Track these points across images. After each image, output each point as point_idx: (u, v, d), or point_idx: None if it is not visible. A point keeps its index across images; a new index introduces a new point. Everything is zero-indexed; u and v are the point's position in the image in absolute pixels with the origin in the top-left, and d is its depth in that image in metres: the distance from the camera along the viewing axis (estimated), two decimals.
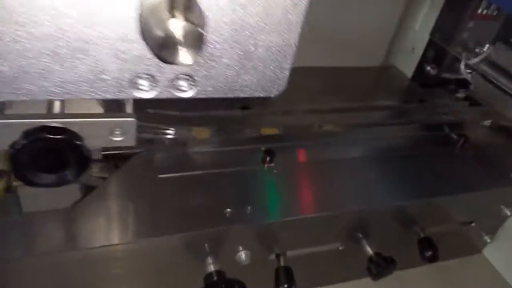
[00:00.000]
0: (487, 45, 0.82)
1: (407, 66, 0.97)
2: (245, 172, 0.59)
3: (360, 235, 0.63)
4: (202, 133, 0.62)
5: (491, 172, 0.71)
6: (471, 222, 0.72)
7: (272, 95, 0.36)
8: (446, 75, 0.95)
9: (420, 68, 0.95)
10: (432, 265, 0.76)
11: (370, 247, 0.63)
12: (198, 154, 0.60)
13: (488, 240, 0.75)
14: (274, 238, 0.56)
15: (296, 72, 0.89)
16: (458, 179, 0.68)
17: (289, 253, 0.59)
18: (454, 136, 0.76)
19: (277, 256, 0.58)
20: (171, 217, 0.51)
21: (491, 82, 0.79)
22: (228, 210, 0.52)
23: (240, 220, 0.52)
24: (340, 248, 0.63)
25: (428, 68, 0.95)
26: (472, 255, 0.80)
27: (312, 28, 0.95)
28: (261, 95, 0.35)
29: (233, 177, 0.57)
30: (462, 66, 0.86)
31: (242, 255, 0.54)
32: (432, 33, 0.89)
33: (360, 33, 0.93)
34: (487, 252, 0.79)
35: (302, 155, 0.66)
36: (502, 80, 0.77)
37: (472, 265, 0.78)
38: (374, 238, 0.64)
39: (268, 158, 0.61)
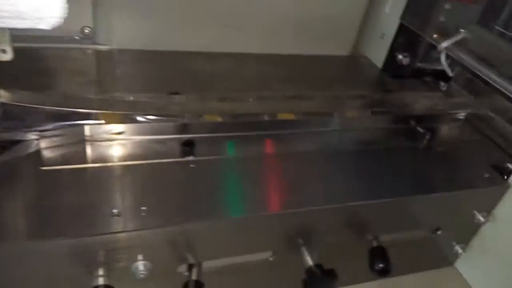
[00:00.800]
0: (461, 29, 0.73)
1: (377, 55, 0.87)
2: (154, 166, 0.49)
3: (301, 242, 0.54)
4: (111, 119, 0.52)
5: (462, 171, 0.61)
6: (437, 230, 0.62)
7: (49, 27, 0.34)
8: (422, 65, 0.86)
9: (391, 57, 0.85)
10: (395, 279, 0.67)
11: (311, 257, 0.53)
12: (103, 145, 0.51)
13: (460, 251, 0.65)
14: (183, 245, 0.46)
15: (258, 59, 0.81)
16: (422, 178, 0.58)
17: (206, 264, 0.49)
18: (421, 130, 0.67)
19: (189, 267, 0.48)
20: (43, 218, 0.41)
21: (469, 71, 0.70)
22: (115, 211, 0.42)
23: (126, 224, 0.42)
24: (271, 258, 0.52)
25: (400, 56, 0.85)
26: (442, 268, 0.69)
27: (277, 15, 0.89)
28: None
29: (137, 172, 0.48)
30: (442, 56, 0.76)
31: (139, 266, 0.45)
32: (403, 16, 0.80)
33: (326, 19, 0.83)
34: (460, 264, 0.69)
35: (231, 148, 0.56)
36: (480, 68, 0.67)
37: (441, 279, 0.68)
38: (317, 247, 0.54)
39: (187, 151, 0.52)
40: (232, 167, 0.52)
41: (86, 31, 0.73)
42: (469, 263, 0.67)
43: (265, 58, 0.80)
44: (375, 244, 0.56)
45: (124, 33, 0.73)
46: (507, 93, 0.60)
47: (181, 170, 0.49)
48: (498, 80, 0.62)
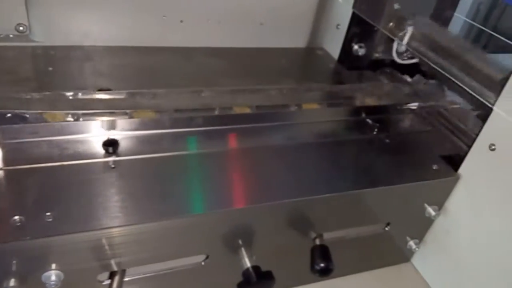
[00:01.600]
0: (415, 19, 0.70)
1: (334, 46, 0.84)
2: (69, 168, 0.46)
3: (238, 243, 0.50)
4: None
5: (410, 164, 0.58)
6: (388, 225, 0.59)
7: None
8: (380, 56, 0.83)
9: (346, 48, 0.82)
10: (349, 277, 0.64)
11: (249, 259, 0.50)
12: (14, 147, 0.47)
13: (414, 247, 0.62)
14: (101, 252, 0.43)
15: (206, 53, 0.77)
16: (368, 171, 0.55)
17: (130, 271, 0.46)
18: (370, 122, 0.64)
19: (111, 275, 0.45)
20: None
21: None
22: (16, 218, 0.39)
23: (27, 231, 0.38)
24: (204, 263, 0.49)
25: (356, 47, 0.82)
26: (398, 264, 0.67)
27: (225, 6, 0.84)
28: None
29: (48, 175, 0.44)
30: (394, 46, 0.74)
31: (52, 276, 0.41)
32: (355, 5, 0.77)
33: (278, 11, 0.80)
34: (416, 260, 0.66)
35: (162, 145, 0.53)
36: (434, 58, 0.65)
37: (397, 276, 0.65)
38: (256, 247, 0.51)
39: (108, 151, 0.48)
40: (162, 166, 0.49)
41: (21, 28, 0.70)
42: (424, 259, 0.65)
43: (213, 52, 0.77)
44: (318, 242, 0.53)
45: (61, 29, 0.70)
46: (459, 83, 0.58)
47: (99, 171, 0.46)
48: (451, 69, 0.60)
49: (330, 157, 0.57)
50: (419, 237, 0.63)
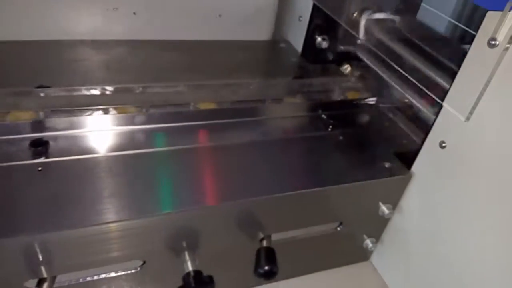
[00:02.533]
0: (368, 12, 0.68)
1: (297, 39, 0.82)
2: None
3: (182, 246, 0.49)
4: None
5: (363, 161, 0.56)
6: (341, 224, 0.57)
7: None
8: (344, 49, 0.81)
9: (309, 40, 0.80)
10: (307, 277, 0.63)
11: (192, 262, 0.48)
12: None
13: (371, 245, 0.61)
14: (24, 259, 0.40)
15: (161, 46, 0.74)
16: (319, 170, 0.53)
17: (60, 278, 0.44)
18: (324, 118, 0.62)
19: (39, 282, 0.42)
20: None
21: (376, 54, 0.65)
22: None
23: None
24: (140, 268, 0.47)
25: (319, 39, 0.80)
26: (358, 263, 0.66)
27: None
28: None
29: None
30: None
31: None
32: None
33: (239, 2, 0.78)
34: (374, 259, 0.65)
35: (98, 145, 0.50)
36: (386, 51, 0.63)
37: (356, 275, 0.64)
38: (199, 251, 0.49)
39: (37, 152, 0.46)
40: (95, 168, 0.47)
41: None
42: (382, 257, 0.63)
43: (167, 45, 0.74)
44: (264, 244, 0.51)
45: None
46: (410, 78, 0.56)
47: (24, 174, 0.43)
48: (402, 63, 0.58)
49: (281, 155, 0.55)
50: (376, 236, 0.61)
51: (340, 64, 0.77)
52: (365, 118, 0.64)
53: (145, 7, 0.71)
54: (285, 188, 0.49)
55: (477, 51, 0.44)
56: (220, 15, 0.76)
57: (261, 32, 0.83)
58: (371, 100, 0.65)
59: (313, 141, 0.58)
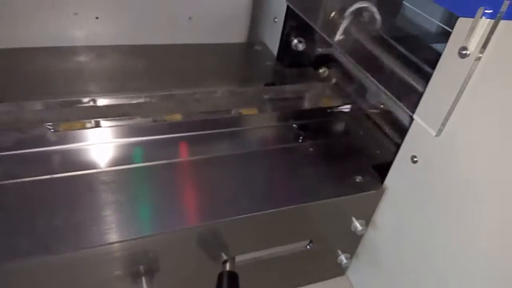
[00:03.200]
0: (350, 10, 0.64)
1: (273, 41, 0.78)
2: None
3: (141, 270, 0.46)
4: None
5: (334, 176, 0.52)
6: (312, 241, 0.54)
7: None
8: (323, 51, 0.77)
9: (285, 43, 0.77)
10: None
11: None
12: None
13: (345, 261, 0.58)
14: None
15: (126, 52, 0.69)
16: (285, 187, 0.49)
17: None
18: (295, 128, 0.59)
19: None
20: None
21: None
22: None
23: None
24: None
25: (295, 42, 0.76)
26: (334, 278, 0.63)
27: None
28: None
29: None
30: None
31: None
32: None
33: (211, 3, 0.74)
34: (350, 274, 0.62)
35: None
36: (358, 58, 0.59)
37: None
38: (160, 277, 0.46)
39: None
40: (38, 190, 0.43)
41: None
42: (358, 272, 0.60)
43: (132, 50, 0.70)
44: (227, 267, 0.48)
45: None
46: (383, 88, 0.52)
47: None
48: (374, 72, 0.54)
49: (247, 171, 0.51)
50: (351, 251, 0.58)
51: (318, 67, 0.74)
52: (338, 127, 0.61)
53: (107, 11, 0.67)
54: (248, 209, 0.46)
55: (447, 61, 0.40)
56: (190, 18, 0.72)
57: (235, 34, 0.79)
58: (346, 108, 0.62)
59: (282, 154, 0.55)
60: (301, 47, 0.74)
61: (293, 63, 0.75)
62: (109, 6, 0.67)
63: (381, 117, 0.58)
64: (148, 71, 0.66)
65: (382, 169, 0.52)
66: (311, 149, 0.55)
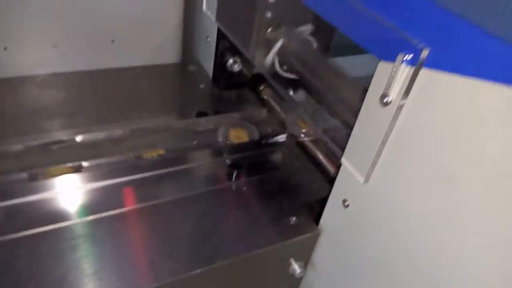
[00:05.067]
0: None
1: (207, 61, 0.73)
2: None
3: None
4: None
5: (266, 220, 0.48)
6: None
7: None
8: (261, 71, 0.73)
9: (219, 63, 0.72)
10: None
11: None
12: None
13: None
14: None
15: (40, 83, 0.62)
16: (211, 239, 0.45)
17: None
18: (228, 165, 0.54)
19: None
20: None
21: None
22: None
23: None
24: None
25: (230, 62, 0.72)
26: None
27: (66, 26, 0.62)
28: None
29: None
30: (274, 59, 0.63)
31: None
32: (218, 17, 0.66)
33: (136, 24, 0.68)
34: None
35: None
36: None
37: None
38: None
39: None
40: None
41: None
42: None
43: (48, 80, 0.63)
44: None
45: None
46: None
47: None
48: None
49: (171, 223, 0.46)
50: None
51: (256, 87, 0.70)
52: (274, 159, 0.57)
53: (16, 41, 0.60)
54: (171, 272, 0.42)
55: (369, 108, 0.37)
56: (113, 41, 0.66)
57: (168, 55, 0.73)
58: (281, 138, 0.58)
59: (213, 197, 0.50)
60: (236, 67, 0.70)
61: (230, 84, 0.71)
62: (19, 35, 0.60)
63: (316, 147, 0.55)
64: (60, 104, 0.59)
65: (319, 207, 0.49)
66: (244, 188, 0.52)
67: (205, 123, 0.58)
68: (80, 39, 0.64)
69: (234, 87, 0.71)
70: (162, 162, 0.52)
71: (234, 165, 0.53)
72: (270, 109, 0.65)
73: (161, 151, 0.52)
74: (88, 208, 0.46)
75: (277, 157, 0.58)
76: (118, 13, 0.65)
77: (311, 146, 0.55)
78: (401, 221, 0.38)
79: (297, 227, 0.48)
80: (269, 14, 0.63)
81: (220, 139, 0.57)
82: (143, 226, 0.46)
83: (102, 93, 0.64)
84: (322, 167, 0.53)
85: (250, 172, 0.54)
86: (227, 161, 0.55)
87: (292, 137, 0.58)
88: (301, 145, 0.57)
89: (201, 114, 0.61)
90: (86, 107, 0.60)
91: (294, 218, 0.49)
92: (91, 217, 0.45)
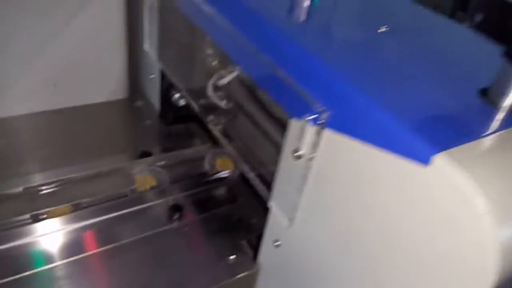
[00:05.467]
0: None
1: (154, 96, 0.75)
2: None
3: None
4: None
5: (206, 260, 0.50)
6: None
7: None
8: (206, 103, 0.75)
9: (165, 98, 0.73)
10: None
11: None
12: None
13: None
14: None
15: None
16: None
17: None
18: (171, 204, 0.56)
19: None
20: None
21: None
22: None
23: None
24: None
25: (176, 96, 0.73)
26: None
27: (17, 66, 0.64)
28: None
29: None
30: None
31: None
32: (160, 56, 0.68)
33: (76, 66, 0.69)
34: None
35: None
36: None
37: None
38: None
39: None
40: None
41: None
42: None
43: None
44: None
45: None
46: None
47: None
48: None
49: (107, 274, 0.47)
50: None
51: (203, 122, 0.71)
52: (217, 196, 0.59)
53: None
54: None
55: (286, 159, 0.40)
56: (55, 84, 0.67)
57: (114, 92, 0.74)
58: (225, 173, 0.60)
59: (153, 242, 0.51)
60: (182, 102, 0.71)
61: (177, 119, 0.72)
62: None
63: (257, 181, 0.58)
64: (6, 149, 0.60)
65: (257, 244, 0.51)
66: (186, 229, 0.53)
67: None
68: (20, 82, 0.64)
69: (181, 121, 0.72)
70: (98, 210, 0.53)
71: (175, 207, 0.55)
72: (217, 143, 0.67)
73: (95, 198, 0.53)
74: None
75: (221, 193, 0.60)
76: (60, 56, 0.66)
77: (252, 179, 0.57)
78: (322, 265, 0.40)
79: (235, 266, 0.50)
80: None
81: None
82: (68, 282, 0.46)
83: (43, 137, 0.64)
84: (263, 203, 0.55)
85: (193, 211, 0.55)
86: (169, 202, 0.56)
87: (236, 171, 0.60)
88: (245, 179, 0.59)
89: (145, 154, 0.63)
90: (27, 152, 0.60)
91: (233, 257, 0.50)
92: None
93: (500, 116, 0.32)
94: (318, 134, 0.35)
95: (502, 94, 0.32)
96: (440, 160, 0.25)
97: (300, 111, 0.36)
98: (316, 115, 0.35)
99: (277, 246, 0.46)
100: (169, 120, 0.72)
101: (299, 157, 0.38)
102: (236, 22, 0.44)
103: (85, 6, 0.64)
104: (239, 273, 0.49)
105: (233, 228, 0.54)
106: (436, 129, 0.28)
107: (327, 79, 0.34)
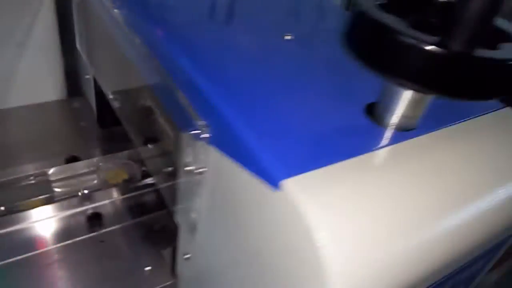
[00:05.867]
0: None
1: (91, 97, 0.72)
2: None
3: None
4: None
5: (120, 272, 0.48)
6: None
7: None
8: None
9: (100, 99, 0.70)
10: None
11: None
12: None
13: None
14: None
15: None
16: None
17: None
18: (89, 214, 0.54)
19: None
20: None
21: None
22: None
23: None
24: None
25: (111, 97, 0.71)
26: None
27: None
28: None
29: None
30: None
31: None
32: (89, 55, 0.65)
33: (13, 59, 0.66)
34: None
35: None
36: None
37: None
38: None
39: None
40: None
41: None
42: None
43: None
44: None
45: None
46: None
47: None
48: None
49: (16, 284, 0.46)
50: None
51: None
52: (139, 205, 0.57)
53: None
54: None
55: (182, 173, 0.38)
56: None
57: (49, 92, 0.71)
58: (151, 180, 0.58)
59: (67, 253, 0.49)
60: (117, 104, 0.69)
61: (115, 121, 0.70)
62: None
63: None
64: None
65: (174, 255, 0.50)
66: (102, 241, 0.51)
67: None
68: None
69: (118, 123, 0.70)
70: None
71: (94, 214, 0.53)
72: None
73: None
74: None
75: (145, 200, 0.58)
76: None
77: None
78: (224, 279, 0.39)
79: (151, 278, 0.48)
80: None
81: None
82: None
83: None
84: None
85: (112, 221, 0.54)
86: (88, 210, 0.54)
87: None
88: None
89: (73, 158, 0.60)
90: None
91: (149, 268, 0.49)
92: None
93: (379, 135, 0.30)
94: (204, 150, 0.34)
95: (387, 112, 0.30)
96: (287, 186, 0.24)
97: (186, 124, 0.34)
98: (199, 131, 0.33)
99: (187, 259, 0.44)
100: (106, 122, 0.70)
101: (189, 172, 0.36)
102: (130, 23, 0.42)
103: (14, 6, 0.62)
104: (155, 286, 0.48)
105: (153, 237, 0.53)
106: (297, 151, 0.27)
107: (203, 93, 0.32)
